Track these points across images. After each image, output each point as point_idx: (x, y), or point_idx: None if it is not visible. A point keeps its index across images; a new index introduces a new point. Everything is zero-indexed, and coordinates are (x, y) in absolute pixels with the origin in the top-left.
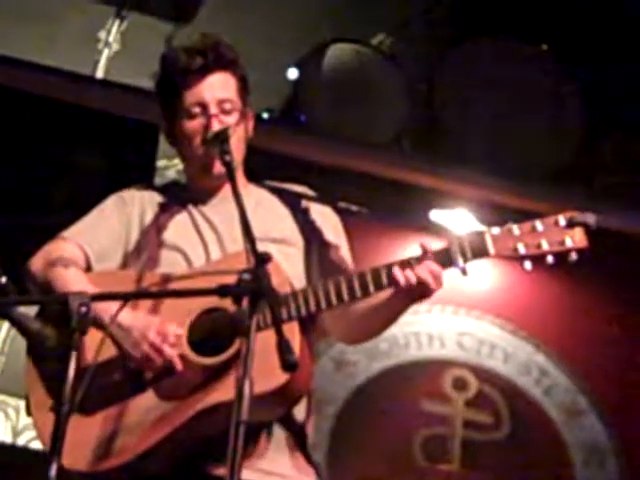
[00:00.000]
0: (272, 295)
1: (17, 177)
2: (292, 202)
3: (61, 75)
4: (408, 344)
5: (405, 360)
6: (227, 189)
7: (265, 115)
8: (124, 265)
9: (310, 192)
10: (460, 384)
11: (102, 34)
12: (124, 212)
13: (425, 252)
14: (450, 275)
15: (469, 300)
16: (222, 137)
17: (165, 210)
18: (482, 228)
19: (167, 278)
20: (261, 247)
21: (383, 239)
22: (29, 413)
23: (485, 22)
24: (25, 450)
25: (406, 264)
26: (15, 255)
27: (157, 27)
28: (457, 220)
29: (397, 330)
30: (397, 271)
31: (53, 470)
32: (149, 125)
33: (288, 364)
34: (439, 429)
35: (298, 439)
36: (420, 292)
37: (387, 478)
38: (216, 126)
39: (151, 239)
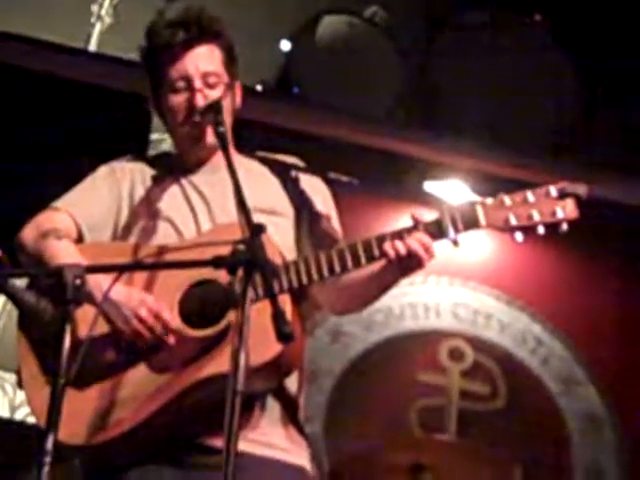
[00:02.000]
0: (267, 266)
1: (10, 151)
2: (282, 172)
3: (54, 48)
4: (403, 315)
5: (401, 331)
6: (217, 159)
7: (259, 87)
8: (114, 236)
9: (300, 163)
10: (456, 355)
11: (94, 7)
12: (115, 183)
13: (416, 223)
14: (445, 246)
15: (464, 271)
16: (216, 108)
17: (155, 181)
18: (476, 199)
19: (161, 250)
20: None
21: (375, 210)
22: (20, 386)
23: None
24: (22, 424)
25: (397, 235)
26: (11, 227)
27: (149, 0)
28: (451, 191)
29: (393, 301)
30: (387, 243)
31: (49, 443)
32: (142, 98)
33: (284, 335)
34: (435, 400)
35: (290, 411)
36: (411, 264)
37: (383, 448)
38: (200, 101)
39: (142, 210)
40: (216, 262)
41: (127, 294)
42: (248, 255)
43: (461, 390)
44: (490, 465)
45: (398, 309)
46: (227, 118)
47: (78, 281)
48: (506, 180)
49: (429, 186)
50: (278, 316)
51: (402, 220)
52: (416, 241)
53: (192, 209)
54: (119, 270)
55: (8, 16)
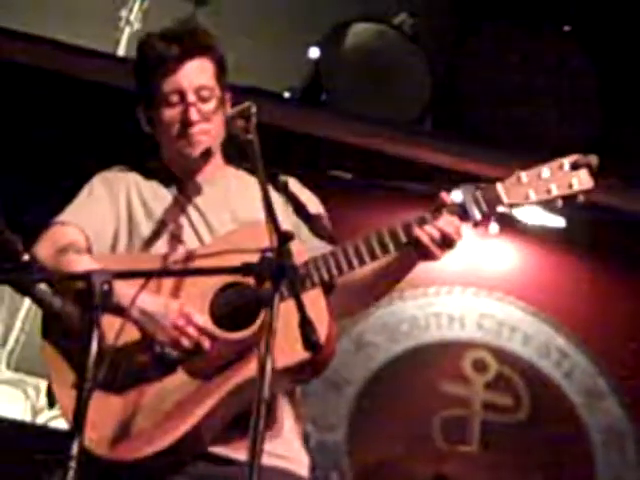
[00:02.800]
0: (295, 274)
1: (34, 151)
2: (271, 181)
3: (82, 53)
4: (428, 325)
5: (425, 341)
6: (209, 171)
7: (286, 94)
8: (114, 246)
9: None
10: (480, 366)
11: (123, 12)
12: (112, 193)
13: (441, 205)
14: (471, 257)
15: (490, 282)
16: (246, 115)
17: (150, 191)
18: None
19: (188, 256)
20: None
21: (384, 206)
22: (49, 394)
23: (506, 2)
24: (44, 428)
25: (423, 220)
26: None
27: (178, 6)
28: None
29: (418, 311)
30: (416, 229)
31: (75, 449)
32: None
33: (311, 344)
34: (458, 411)
35: (293, 419)
36: (441, 246)
37: (406, 459)
38: (194, 115)
39: (140, 220)
40: (245, 269)
41: (160, 303)
42: (277, 264)
43: (484, 401)
44: (512, 477)
45: (423, 319)
46: (219, 131)
47: (106, 286)
48: None
49: (457, 195)
50: (305, 324)
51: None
52: (448, 223)
53: (189, 219)
54: (148, 276)
55: (35, 19)
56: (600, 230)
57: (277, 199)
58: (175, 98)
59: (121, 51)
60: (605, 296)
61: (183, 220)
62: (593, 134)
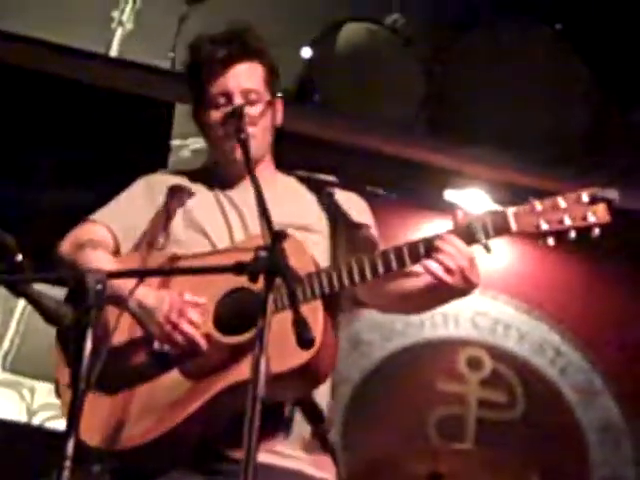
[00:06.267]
0: (287, 271)
1: (28, 156)
2: (318, 189)
3: (75, 54)
4: (423, 324)
5: (420, 340)
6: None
7: (279, 94)
8: (151, 245)
9: (335, 180)
10: (475, 363)
11: (115, 13)
12: (151, 197)
13: (453, 225)
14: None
15: (484, 280)
16: (238, 114)
17: (193, 195)
18: (497, 208)
19: (194, 257)
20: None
21: (396, 218)
22: (58, 394)
23: (498, 1)
24: (40, 429)
25: (428, 244)
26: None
27: (171, 6)
28: (471, 200)
29: None
30: (422, 260)
31: (70, 447)
32: (164, 104)
33: (304, 341)
34: (454, 408)
35: (318, 424)
36: (448, 274)
37: (401, 457)
38: None
39: (178, 223)
40: (237, 268)
41: (156, 297)
42: (269, 261)
43: (479, 399)
44: (508, 474)
45: (417, 318)
46: (266, 135)
47: (99, 286)
48: (527, 189)
49: (450, 195)
50: (299, 322)
51: (423, 228)
52: (450, 254)
53: (228, 224)
54: (140, 276)
55: (29, 20)
56: None
57: (316, 208)
58: (222, 100)
59: (113, 52)
60: (599, 293)
61: (220, 221)
62: (586, 132)
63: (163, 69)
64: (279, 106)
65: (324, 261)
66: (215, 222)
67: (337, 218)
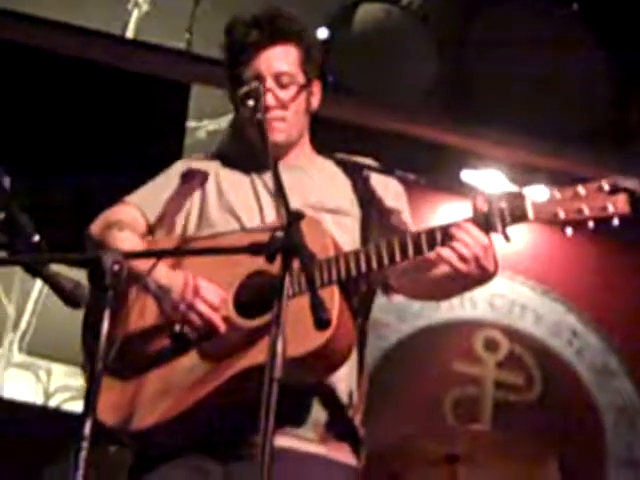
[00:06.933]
0: (303, 251)
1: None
2: (354, 173)
3: (91, 35)
4: (439, 305)
5: (436, 321)
6: (290, 157)
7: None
8: (185, 227)
9: (374, 163)
10: (491, 345)
11: None
12: None
13: (472, 210)
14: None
15: (501, 261)
16: (255, 94)
17: (229, 177)
18: (514, 189)
19: (214, 236)
20: (316, 216)
21: (412, 198)
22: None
23: None
24: (56, 411)
25: (445, 232)
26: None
27: None
28: (488, 180)
29: None
30: (437, 248)
31: (87, 428)
32: (179, 86)
33: (320, 322)
34: (470, 390)
35: (341, 407)
36: (463, 262)
37: (418, 438)
38: (270, 101)
39: (211, 206)
40: (252, 249)
41: (173, 277)
42: (284, 241)
43: (496, 380)
44: (524, 455)
45: None
46: (300, 118)
47: (116, 267)
48: (542, 169)
49: (466, 175)
50: (316, 303)
51: (440, 209)
52: (466, 242)
53: (260, 206)
54: (158, 255)
55: (44, 2)
56: None
57: (350, 191)
58: (255, 84)
59: (129, 33)
60: (615, 274)
61: (252, 203)
62: (602, 114)
63: (179, 50)
64: (316, 89)
65: (355, 244)
66: (248, 206)
67: (370, 202)
